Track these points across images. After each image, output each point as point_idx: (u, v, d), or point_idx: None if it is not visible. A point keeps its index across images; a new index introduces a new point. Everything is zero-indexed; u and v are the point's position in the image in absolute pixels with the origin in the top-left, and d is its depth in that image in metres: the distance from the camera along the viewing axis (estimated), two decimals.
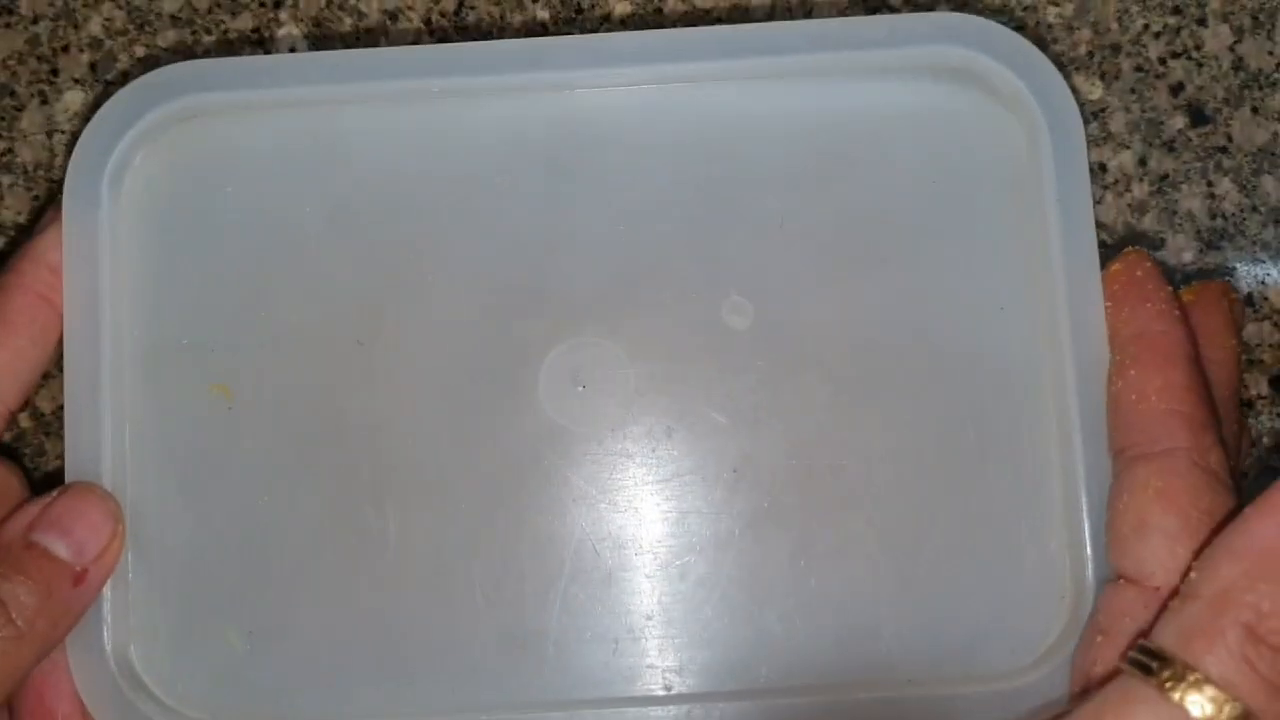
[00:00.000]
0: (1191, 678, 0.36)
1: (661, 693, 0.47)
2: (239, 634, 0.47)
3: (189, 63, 0.49)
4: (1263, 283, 0.54)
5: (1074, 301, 0.46)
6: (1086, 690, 0.42)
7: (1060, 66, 0.54)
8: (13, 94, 0.56)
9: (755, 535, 0.47)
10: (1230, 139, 0.55)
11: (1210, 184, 0.55)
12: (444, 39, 0.56)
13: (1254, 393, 0.54)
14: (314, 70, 0.48)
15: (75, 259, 0.47)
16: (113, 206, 0.48)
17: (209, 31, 0.56)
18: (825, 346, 0.48)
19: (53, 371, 0.51)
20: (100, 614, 0.46)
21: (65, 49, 0.56)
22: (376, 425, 0.48)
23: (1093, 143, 0.50)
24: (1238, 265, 0.54)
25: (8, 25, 0.56)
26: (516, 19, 0.56)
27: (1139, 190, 0.55)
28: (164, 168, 0.49)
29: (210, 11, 0.56)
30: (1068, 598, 0.46)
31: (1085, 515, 0.46)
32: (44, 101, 0.56)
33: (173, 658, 0.47)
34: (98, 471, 0.47)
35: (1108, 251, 0.46)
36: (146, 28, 0.56)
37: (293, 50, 0.56)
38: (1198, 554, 0.40)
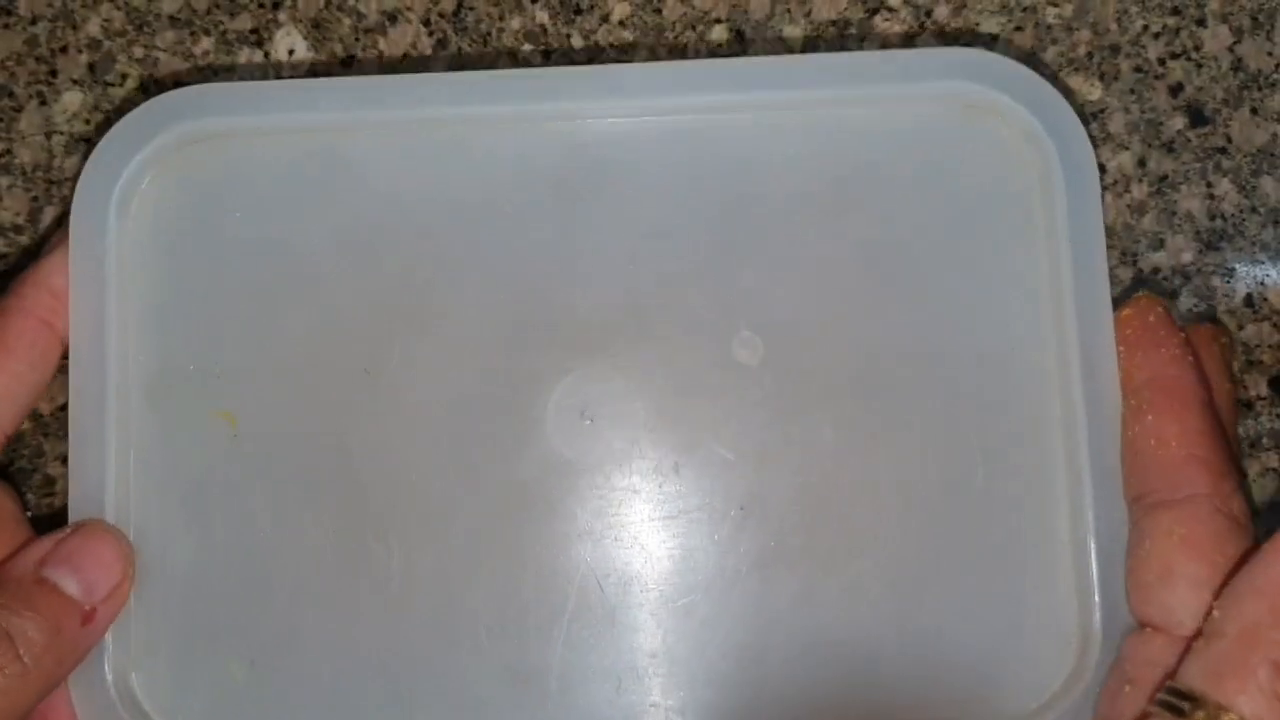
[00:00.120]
0: (1225, 718, 0.36)
1: None
2: (240, 663, 0.47)
3: (198, 87, 0.48)
4: (1262, 283, 0.54)
5: (1085, 342, 0.46)
6: None
7: (1059, 67, 0.54)
8: (11, 95, 0.55)
9: (761, 575, 0.47)
10: (1229, 140, 0.55)
11: (1209, 185, 0.54)
12: (442, 40, 0.55)
13: (1253, 393, 0.54)
14: (324, 96, 0.48)
15: (82, 283, 0.47)
16: (120, 231, 0.47)
17: (207, 32, 0.55)
18: (835, 384, 0.48)
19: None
20: (101, 641, 0.46)
21: (64, 50, 0.55)
22: (381, 455, 0.48)
23: (1092, 143, 0.49)
24: (1237, 266, 0.54)
25: (6, 26, 0.55)
26: (515, 21, 0.55)
27: (1138, 191, 0.54)
28: (172, 192, 0.48)
29: (209, 12, 0.55)
30: (1075, 642, 0.46)
31: (1094, 559, 0.45)
32: (42, 103, 0.55)
33: (174, 686, 0.47)
34: (101, 496, 0.46)
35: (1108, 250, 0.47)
36: (145, 29, 0.55)
37: (291, 53, 0.55)
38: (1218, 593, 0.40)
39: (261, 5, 0.55)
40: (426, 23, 0.55)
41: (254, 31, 0.55)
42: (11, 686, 0.42)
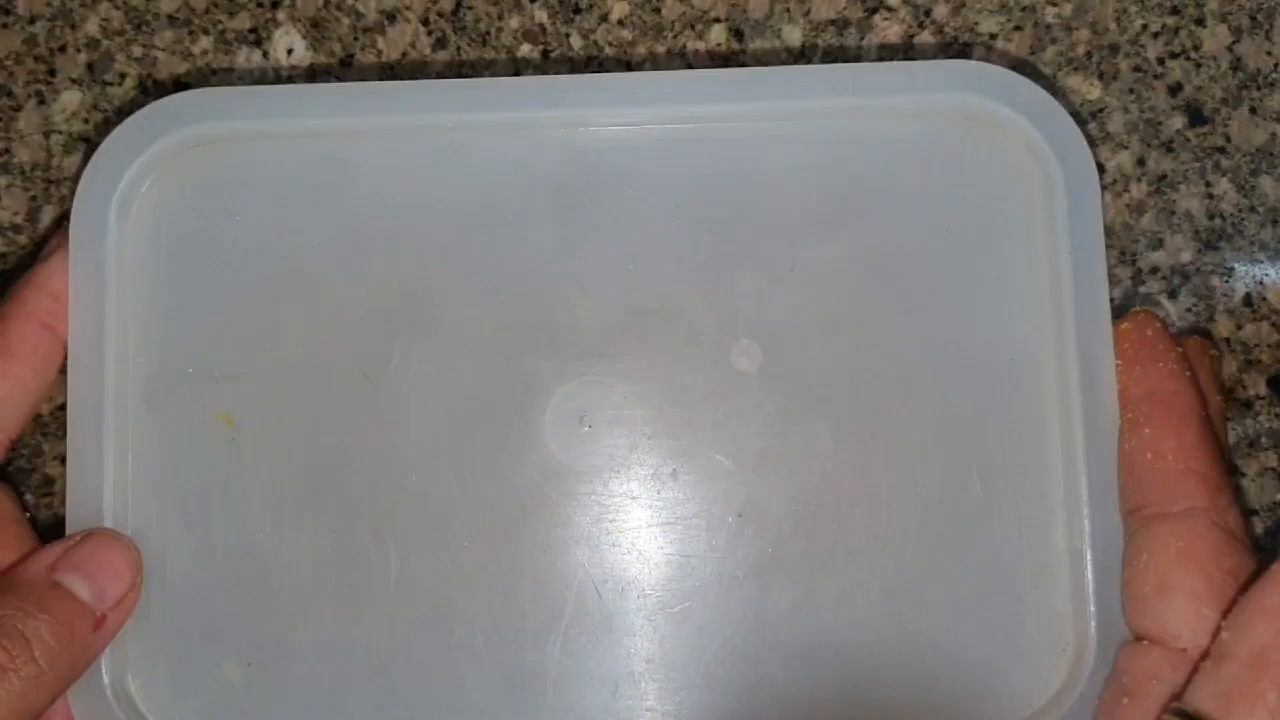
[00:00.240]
0: None
1: None
2: (237, 666, 0.47)
3: (199, 91, 0.48)
4: (1260, 283, 0.54)
5: (1084, 354, 0.46)
6: None
7: (1058, 67, 0.54)
8: (10, 94, 0.55)
9: (758, 581, 0.47)
10: (1228, 139, 0.55)
11: (1208, 184, 0.54)
12: (441, 40, 0.55)
13: (1252, 393, 0.54)
14: (325, 101, 0.48)
15: (81, 286, 0.47)
16: (120, 234, 0.47)
17: (206, 32, 0.55)
18: (833, 393, 0.48)
19: None
20: None
21: (62, 49, 0.55)
22: (380, 459, 0.48)
23: (1091, 143, 0.49)
24: (1236, 265, 0.54)
25: (4, 25, 0.55)
26: (514, 20, 0.55)
27: (1137, 190, 0.54)
28: (172, 196, 0.48)
29: (207, 11, 0.55)
30: (1070, 650, 0.46)
31: (1090, 569, 0.46)
32: (41, 102, 0.55)
33: (170, 689, 0.47)
34: (100, 498, 0.47)
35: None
36: (144, 28, 0.55)
37: (290, 52, 0.55)
38: (1225, 614, 0.41)
39: (260, 4, 0.55)
40: (425, 22, 0.55)
41: (253, 31, 0.55)
42: (27, 689, 0.42)
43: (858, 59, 0.54)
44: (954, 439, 0.47)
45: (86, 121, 0.55)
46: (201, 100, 0.48)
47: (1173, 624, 0.42)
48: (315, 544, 0.47)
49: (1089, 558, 0.46)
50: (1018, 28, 0.55)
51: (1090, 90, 0.55)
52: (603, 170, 0.48)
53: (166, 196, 0.48)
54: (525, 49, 0.55)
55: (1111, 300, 0.46)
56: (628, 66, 0.55)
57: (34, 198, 0.54)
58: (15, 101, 0.55)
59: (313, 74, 0.55)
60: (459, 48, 0.55)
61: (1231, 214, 0.54)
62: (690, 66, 0.55)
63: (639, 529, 0.48)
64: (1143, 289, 0.54)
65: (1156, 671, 0.42)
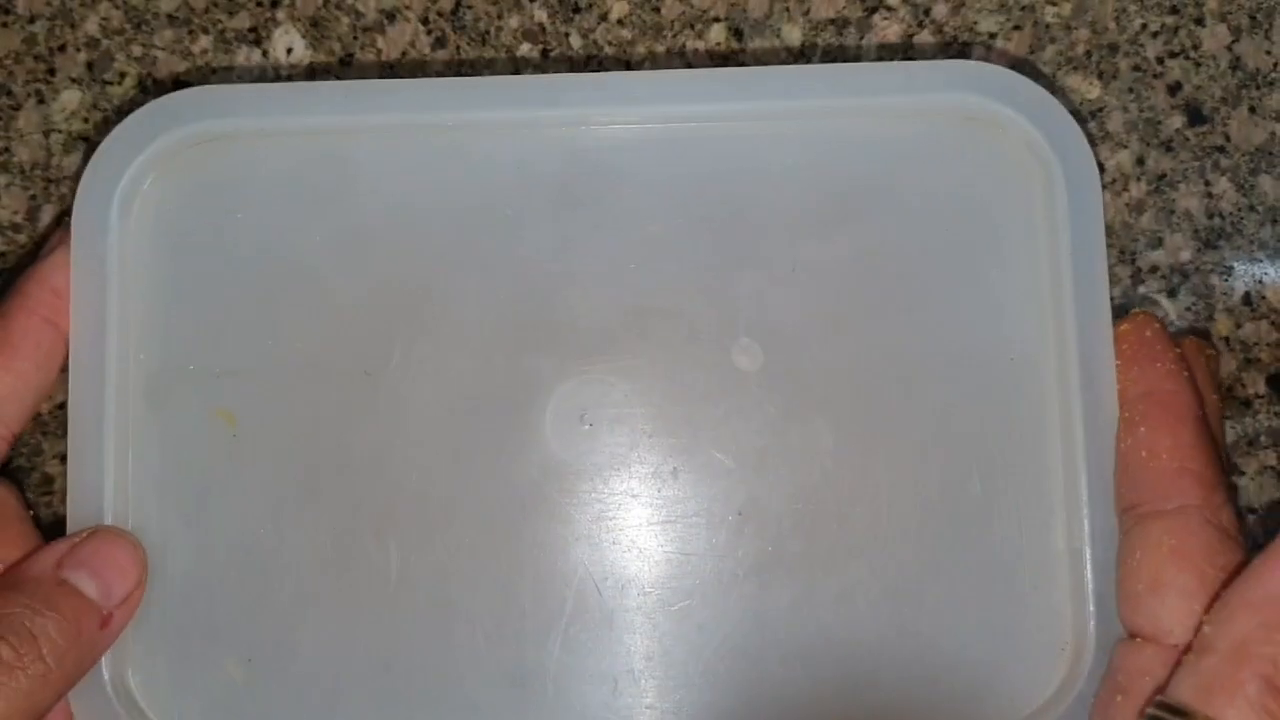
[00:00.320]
0: None
1: None
2: (238, 663, 0.47)
3: (200, 88, 0.48)
4: (1260, 282, 0.54)
5: (1085, 354, 0.46)
6: None
7: (1058, 66, 0.54)
8: (9, 93, 0.55)
9: (758, 579, 0.47)
10: (1228, 138, 0.55)
11: (1208, 183, 0.55)
12: (441, 39, 0.55)
13: (1251, 392, 0.54)
14: (326, 99, 0.48)
15: (83, 283, 0.47)
16: (121, 231, 0.48)
17: (206, 31, 0.55)
18: (833, 391, 0.48)
19: None
20: None
21: (62, 48, 0.55)
22: (381, 456, 0.48)
23: (1090, 143, 0.49)
24: (1235, 264, 0.54)
25: (4, 25, 0.55)
26: (514, 19, 0.55)
27: (1137, 190, 0.54)
28: (173, 193, 0.49)
29: (207, 11, 0.55)
30: (1069, 649, 0.46)
31: (1089, 568, 0.46)
32: (41, 101, 0.55)
33: (171, 685, 0.47)
34: (100, 495, 0.47)
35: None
36: (144, 27, 0.55)
37: (289, 51, 0.55)
38: (1207, 609, 0.41)
39: (260, 4, 0.55)
40: (425, 21, 0.55)
41: (252, 30, 0.55)
42: (35, 687, 0.42)
43: (857, 58, 0.54)
44: (954, 438, 0.47)
45: (86, 121, 0.55)
46: (202, 98, 0.48)
47: (1165, 621, 0.42)
48: (316, 541, 0.47)
49: (1088, 557, 0.46)
50: (1017, 27, 0.55)
51: (1089, 90, 0.55)
52: (603, 169, 0.48)
53: (167, 194, 0.48)
54: (525, 48, 0.55)
55: (1111, 300, 0.46)
56: (627, 66, 0.55)
57: (33, 197, 0.54)
58: (15, 100, 0.55)
59: (312, 73, 0.55)
60: (458, 47, 0.55)
61: (1231, 213, 0.54)
62: (690, 66, 0.55)
63: (639, 527, 0.48)
64: (1142, 288, 0.54)
65: (1149, 668, 0.42)
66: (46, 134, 0.54)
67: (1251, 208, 0.54)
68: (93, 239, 0.47)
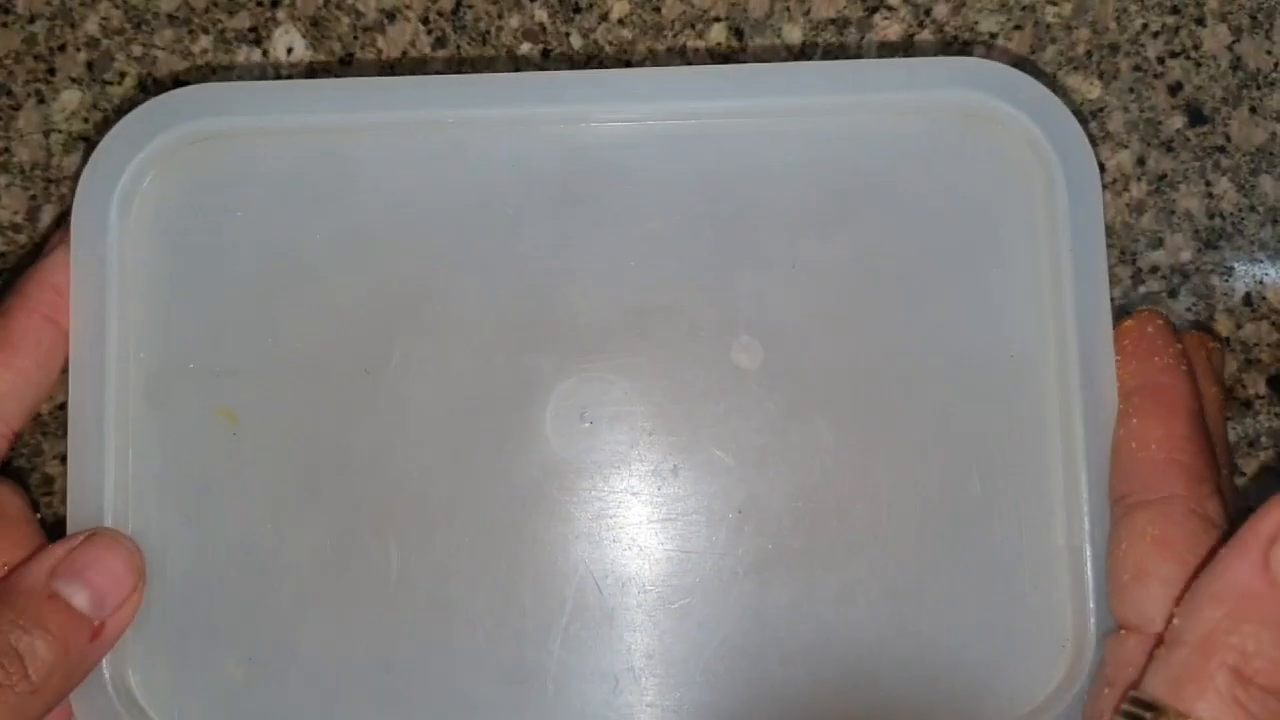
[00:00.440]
0: None
1: None
2: (238, 662, 0.47)
3: (200, 86, 0.48)
4: (1260, 282, 0.54)
5: (1084, 351, 0.46)
6: None
7: (1058, 66, 0.54)
8: (9, 93, 0.55)
9: (758, 578, 0.47)
10: (1228, 139, 0.55)
11: (1208, 183, 0.55)
12: (441, 39, 0.55)
13: (1251, 392, 0.54)
14: (325, 97, 0.48)
15: (83, 282, 0.47)
16: (121, 230, 0.47)
17: (206, 31, 0.55)
18: (833, 389, 0.48)
19: None
20: None
21: (62, 48, 0.55)
22: (381, 455, 0.48)
23: (1091, 142, 0.49)
24: (1236, 265, 0.54)
25: (4, 24, 0.55)
26: (514, 19, 0.55)
27: (1137, 190, 0.54)
28: (173, 191, 0.48)
29: (207, 10, 0.55)
30: (1069, 647, 0.46)
31: (1089, 565, 0.46)
32: (41, 101, 0.55)
33: (172, 685, 0.47)
34: (101, 494, 0.47)
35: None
36: (144, 27, 0.55)
37: (289, 51, 0.55)
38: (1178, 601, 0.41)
39: (260, 3, 0.55)
40: (425, 21, 0.55)
41: (252, 30, 0.55)
42: (21, 704, 0.42)
43: (858, 58, 0.54)
44: (954, 436, 0.47)
45: (86, 121, 0.55)
46: (201, 96, 0.48)
47: (1149, 610, 0.42)
48: (316, 539, 0.47)
49: (1088, 555, 0.46)
50: (1018, 27, 0.55)
51: (1090, 89, 0.55)
52: (603, 166, 0.48)
53: (167, 192, 0.48)
54: (525, 48, 0.55)
55: (1111, 300, 0.46)
56: (627, 66, 0.55)
57: (34, 197, 0.54)
58: (15, 100, 0.55)
59: (312, 73, 0.55)
60: (459, 46, 0.55)
61: (1231, 213, 0.54)
62: (690, 65, 0.55)
63: (639, 525, 0.48)
64: (1143, 288, 0.54)
65: (1133, 659, 0.42)
66: (46, 134, 0.55)
67: (1252, 208, 0.54)
68: (92, 237, 0.47)
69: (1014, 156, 0.48)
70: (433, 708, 0.47)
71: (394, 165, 0.48)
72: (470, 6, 0.55)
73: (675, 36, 0.55)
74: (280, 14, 0.55)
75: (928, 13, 0.55)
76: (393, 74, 0.55)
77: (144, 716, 0.47)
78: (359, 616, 0.47)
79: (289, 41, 0.55)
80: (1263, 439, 0.54)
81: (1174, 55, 0.55)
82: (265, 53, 0.55)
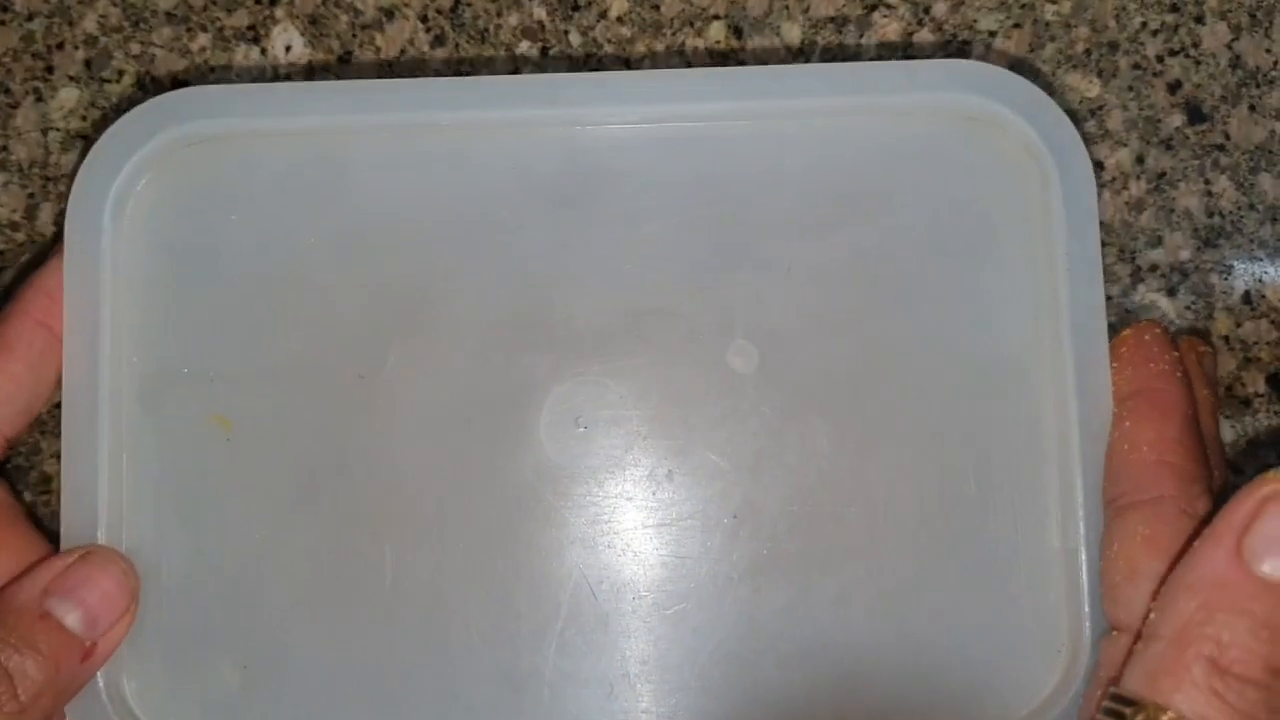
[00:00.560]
0: (1164, 717, 0.37)
1: None
2: (233, 668, 0.47)
3: (194, 89, 0.48)
4: (1260, 280, 0.54)
5: (1079, 355, 0.46)
6: None
7: (1057, 64, 0.54)
8: (8, 91, 0.55)
9: (754, 582, 0.47)
10: (1228, 137, 0.55)
11: (1208, 182, 0.54)
12: (440, 37, 0.55)
13: (1251, 391, 0.54)
14: (322, 100, 0.48)
15: (76, 285, 0.47)
16: (115, 233, 0.47)
17: (204, 29, 0.55)
18: (829, 393, 0.48)
19: None
20: None
21: (60, 46, 0.55)
22: (376, 460, 0.48)
23: (1090, 140, 0.49)
24: (1235, 263, 0.54)
25: (2, 22, 0.55)
26: (513, 17, 0.55)
27: (1136, 188, 0.54)
28: (167, 194, 0.48)
29: (206, 9, 0.55)
30: (1065, 650, 0.46)
31: (1084, 569, 0.46)
32: (39, 99, 0.54)
33: (166, 691, 0.47)
34: (94, 499, 0.46)
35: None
36: (142, 25, 0.55)
37: (288, 49, 0.55)
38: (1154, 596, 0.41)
39: (258, 1, 0.55)
40: (424, 19, 0.55)
41: (251, 28, 0.55)
42: None
43: (857, 57, 0.54)
44: (950, 439, 0.47)
45: (84, 119, 0.54)
46: (197, 98, 0.48)
47: (1139, 609, 0.42)
48: (311, 545, 0.47)
49: (1083, 558, 0.46)
50: (1017, 25, 0.55)
51: (1089, 88, 0.54)
52: (599, 169, 0.48)
53: (162, 195, 0.48)
54: (524, 46, 0.55)
55: (1109, 298, 0.46)
56: (626, 64, 0.54)
57: (31, 195, 0.54)
58: (13, 99, 0.55)
59: (311, 71, 0.55)
60: (457, 45, 0.55)
61: (1230, 211, 0.54)
62: (689, 64, 0.54)
63: (634, 530, 0.47)
64: (1141, 287, 0.53)
65: (1122, 659, 0.42)
66: (44, 132, 0.54)
67: (1251, 206, 0.54)
68: (86, 241, 0.47)
69: (1010, 160, 0.48)
70: (428, 713, 0.47)
71: (390, 168, 0.48)
72: (469, 4, 0.55)
73: (674, 35, 0.54)
74: (279, 12, 0.55)
75: (927, 11, 0.54)
76: (391, 72, 0.54)
77: None
78: (354, 621, 0.47)
79: (287, 39, 0.55)
80: (1262, 437, 0.54)
81: (1173, 53, 0.55)
82: (264, 51, 0.55)
